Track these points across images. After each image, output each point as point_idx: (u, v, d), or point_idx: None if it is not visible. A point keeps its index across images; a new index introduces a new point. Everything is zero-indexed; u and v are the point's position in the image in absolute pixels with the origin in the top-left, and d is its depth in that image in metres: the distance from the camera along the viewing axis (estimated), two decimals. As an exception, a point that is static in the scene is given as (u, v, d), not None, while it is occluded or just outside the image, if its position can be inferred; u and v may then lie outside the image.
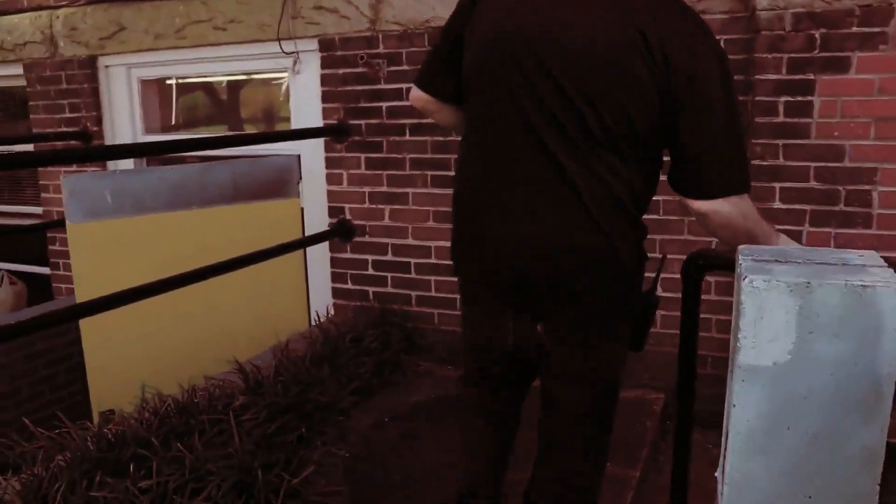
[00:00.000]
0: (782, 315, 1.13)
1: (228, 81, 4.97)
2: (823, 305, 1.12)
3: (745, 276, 1.14)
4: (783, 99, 3.11)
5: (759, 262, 1.23)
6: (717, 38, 3.12)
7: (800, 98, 3.08)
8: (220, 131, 5.14)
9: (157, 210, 3.85)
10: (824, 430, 1.16)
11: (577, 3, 1.59)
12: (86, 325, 3.82)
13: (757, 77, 3.10)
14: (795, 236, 3.13)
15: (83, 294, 3.67)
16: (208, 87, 5.13)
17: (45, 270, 5.35)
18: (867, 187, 3.07)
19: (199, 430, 2.64)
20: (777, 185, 3.12)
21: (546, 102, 1.60)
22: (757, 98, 3.11)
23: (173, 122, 5.07)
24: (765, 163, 3.12)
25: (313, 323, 3.92)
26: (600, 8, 1.57)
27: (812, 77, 3.06)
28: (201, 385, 2.97)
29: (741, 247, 1.34)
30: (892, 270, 1.19)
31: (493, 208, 1.75)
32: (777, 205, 3.13)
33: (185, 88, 5.06)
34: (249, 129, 5.02)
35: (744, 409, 1.17)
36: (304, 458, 2.57)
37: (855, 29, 3.01)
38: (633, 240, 1.71)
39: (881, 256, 1.31)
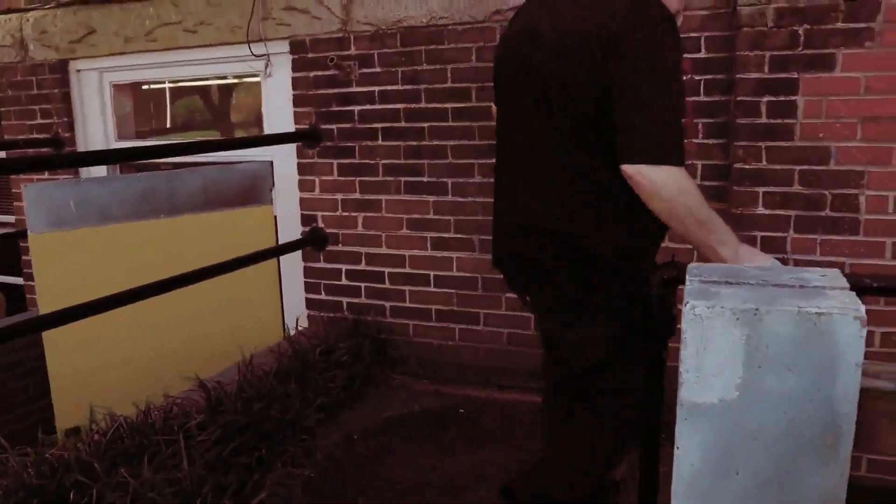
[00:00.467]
0: (728, 346, 1.00)
1: (210, 85, 4.85)
2: (774, 335, 0.99)
3: (687, 302, 1.01)
4: (766, 99, 2.98)
5: (706, 283, 1.10)
6: (698, 34, 3.04)
7: (783, 98, 2.95)
8: (205, 137, 5.00)
9: (124, 219, 3.73)
10: (777, 473, 1.03)
11: (558, 12, 1.78)
12: (49, 338, 3.69)
13: (738, 76, 2.97)
14: (779, 243, 3.01)
15: (47, 306, 3.54)
16: (191, 92, 5.01)
17: (21, 281, 5.23)
18: (854, 191, 2.94)
19: (152, 452, 2.51)
20: (760, 190, 2.99)
21: (531, 105, 1.81)
22: (738, 98, 2.98)
23: (155, 127, 4.95)
24: (747, 166, 2.98)
25: (288, 335, 3.79)
26: (572, 13, 1.75)
27: (796, 75, 2.93)
28: (159, 404, 2.84)
29: (690, 266, 1.21)
30: (853, 294, 1.06)
31: (500, 198, 2.01)
32: (760, 210, 2.99)
33: (164, 93, 4.95)
34: (241, 134, 4.88)
35: (687, 451, 1.04)
36: (259, 481, 2.44)
37: (840, 24, 2.88)
38: (609, 231, 1.79)
39: (852, 274, 1.18)
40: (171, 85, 4.86)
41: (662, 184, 1.58)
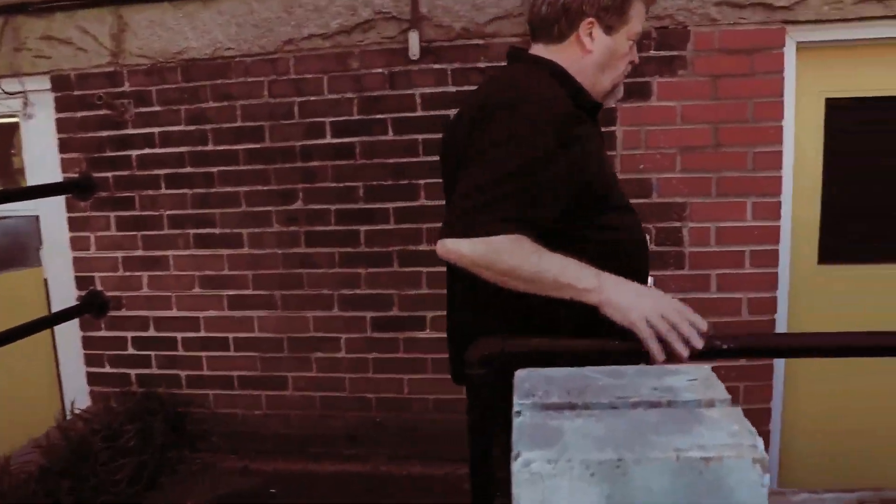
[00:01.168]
0: (581, 512, 0.69)
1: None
2: (645, 492, 0.69)
3: (518, 454, 0.69)
4: (583, 130, 2.81)
5: (542, 409, 0.78)
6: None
7: (602, 128, 2.79)
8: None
9: None
10: None
11: (474, 94, 1.71)
12: None
13: (554, 107, 2.77)
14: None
15: None
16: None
17: None
18: (677, 224, 2.84)
19: None
20: (583, 227, 2.80)
21: (447, 188, 1.75)
22: (555, 131, 2.78)
23: None
24: (569, 203, 2.79)
25: (61, 421, 3.21)
26: (476, 94, 1.67)
27: (613, 105, 2.79)
28: None
29: (518, 373, 0.90)
30: (738, 412, 0.77)
31: None
32: (585, 248, 2.81)
33: None
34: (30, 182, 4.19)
35: None
36: None
37: (653, 52, 2.81)
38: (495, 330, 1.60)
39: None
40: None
41: (473, 253, 1.40)
